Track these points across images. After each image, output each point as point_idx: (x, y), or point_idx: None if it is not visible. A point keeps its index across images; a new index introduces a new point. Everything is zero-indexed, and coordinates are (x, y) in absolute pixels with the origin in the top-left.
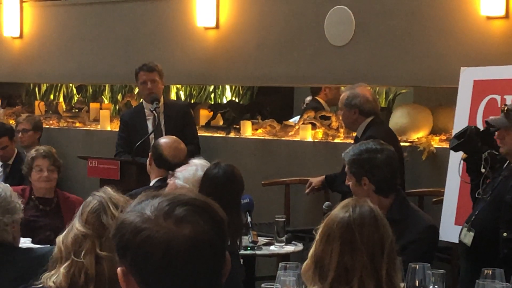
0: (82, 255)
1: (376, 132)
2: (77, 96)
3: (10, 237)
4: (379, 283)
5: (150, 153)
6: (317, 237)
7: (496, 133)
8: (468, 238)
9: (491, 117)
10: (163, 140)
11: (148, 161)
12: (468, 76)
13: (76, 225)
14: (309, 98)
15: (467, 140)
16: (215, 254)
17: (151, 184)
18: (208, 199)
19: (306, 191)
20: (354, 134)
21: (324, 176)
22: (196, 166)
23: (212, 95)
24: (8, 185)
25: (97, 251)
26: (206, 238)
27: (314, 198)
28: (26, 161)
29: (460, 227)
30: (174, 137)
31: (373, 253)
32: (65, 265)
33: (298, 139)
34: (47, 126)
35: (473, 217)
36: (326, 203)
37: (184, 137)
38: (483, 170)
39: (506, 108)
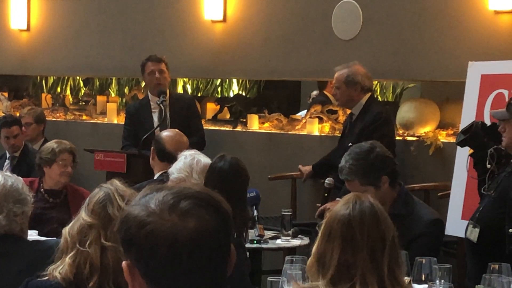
0: (87, 244)
1: (381, 108)
2: (84, 89)
3: (18, 228)
4: (382, 279)
5: (152, 148)
6: (319, 234)
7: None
8: (474, 234)
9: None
10: (165, 133)
11: (151, 155)
12: (475, 71)
13: (82, 215)
14: (315, 92)
15: (473, 136)
16: (220, 247)
17: (155, 177)
18: (213, 192)
19: (303, 179)
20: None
21: (311, 168)
22: (183, 155)
23: (219, 89)
24: (20, 177)
25: (102, 241)
26: (211, 231)
27: (321, 192)
28: (46, 151)
29: (467, 221)
30: (176, 130)
31: (373, 250)
32: (70, 255)
33: (305, 133)
34: (54, 119)
35: (478, 213)
36: (328, 178)
37: (190, 129)
38: (488, 166)
39: (509, 101)
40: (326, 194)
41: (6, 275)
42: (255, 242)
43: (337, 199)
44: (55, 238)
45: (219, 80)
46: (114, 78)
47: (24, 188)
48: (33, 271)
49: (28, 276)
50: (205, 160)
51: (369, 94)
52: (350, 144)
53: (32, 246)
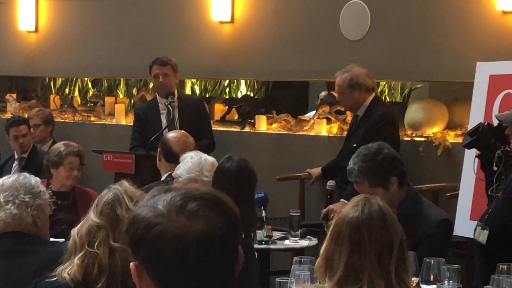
0: (95, 245)
1: (385, 109)
2: (92, 90)
3: (29, 220)
4: (389, 283)
5: (159, 149)
6: (328, 235)
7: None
8: (483, 236)
9: (499, 113)
10: (171, 134)
11: (157, 157)
12: (484, 71)
13: (91, 216)
14: (323, 93)
15: (480, 137)
16: (228, 248)
17: (162, 178)
18: (221, 193)
19: (311, 182)
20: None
21: (320, 170)
22: (188, 156)
23: (227, 90)
24: (37, 177)
25: (111, 242)
26: (218, 232)
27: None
28: (53, 153)
29: (476, 222)
30: (182, 131)
31: (381, 253)
32: (79, 255)
33: (313, 134)
34: (62, 120)
35: (487, 215)
36: (330, 180)
37: (199, 132)
38: (495, 168)
39: None
40: (329, 197)
41: (21, 273)
42: (263, 242)
43: (341, 200)
44: (63, 240)
45: (227, 81)
46: (122, 79)
47: (39, 183)
48: (47, 270)
49: (43, 275)
50: (210, 158)
51: (373, 94)
52: (355, 145)
53: (49, 246)
